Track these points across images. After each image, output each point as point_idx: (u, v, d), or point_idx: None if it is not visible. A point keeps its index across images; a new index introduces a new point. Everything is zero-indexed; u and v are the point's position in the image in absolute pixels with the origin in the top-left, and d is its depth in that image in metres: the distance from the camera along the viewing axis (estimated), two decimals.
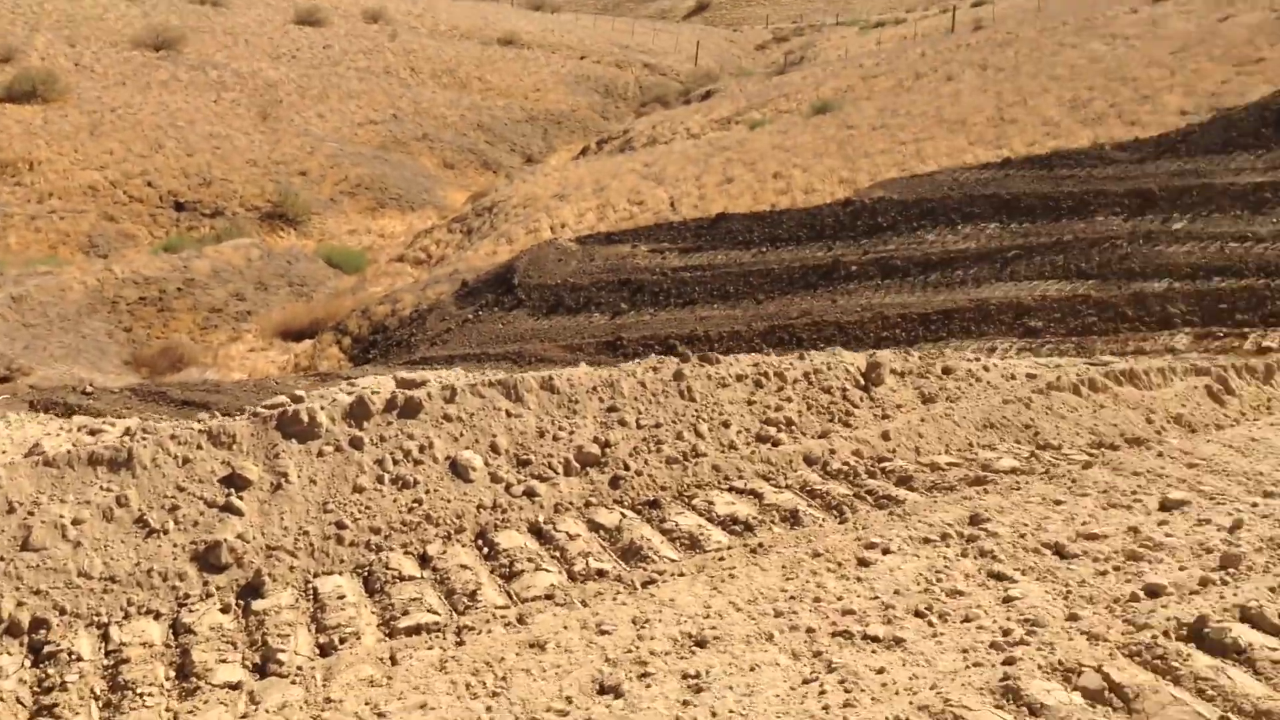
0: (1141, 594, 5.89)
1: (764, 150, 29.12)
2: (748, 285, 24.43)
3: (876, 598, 6.21)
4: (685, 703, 5.40)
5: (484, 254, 30.00)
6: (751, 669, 5.67)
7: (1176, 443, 7.75)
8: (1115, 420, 8.51)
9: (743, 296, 24.14)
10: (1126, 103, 23.95)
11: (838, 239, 24.71)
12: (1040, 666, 5.34)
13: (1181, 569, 6.10)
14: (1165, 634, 5.46)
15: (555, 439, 7.85)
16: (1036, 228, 22.26)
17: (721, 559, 6.83)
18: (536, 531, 7.29)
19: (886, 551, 6.68)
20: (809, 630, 5.96)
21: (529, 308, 26.23)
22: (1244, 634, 5.36)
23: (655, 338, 21.93)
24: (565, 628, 6.21)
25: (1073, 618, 5.77)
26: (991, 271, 21.69)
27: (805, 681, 5.50)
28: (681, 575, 6.68)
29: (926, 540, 6.78)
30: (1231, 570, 5.99)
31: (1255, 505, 6.67)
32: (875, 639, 5.80)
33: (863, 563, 6.59)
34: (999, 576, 6.29)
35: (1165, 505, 6.87)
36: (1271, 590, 5.68)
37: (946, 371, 8.81)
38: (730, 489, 7.73)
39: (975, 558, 6.54)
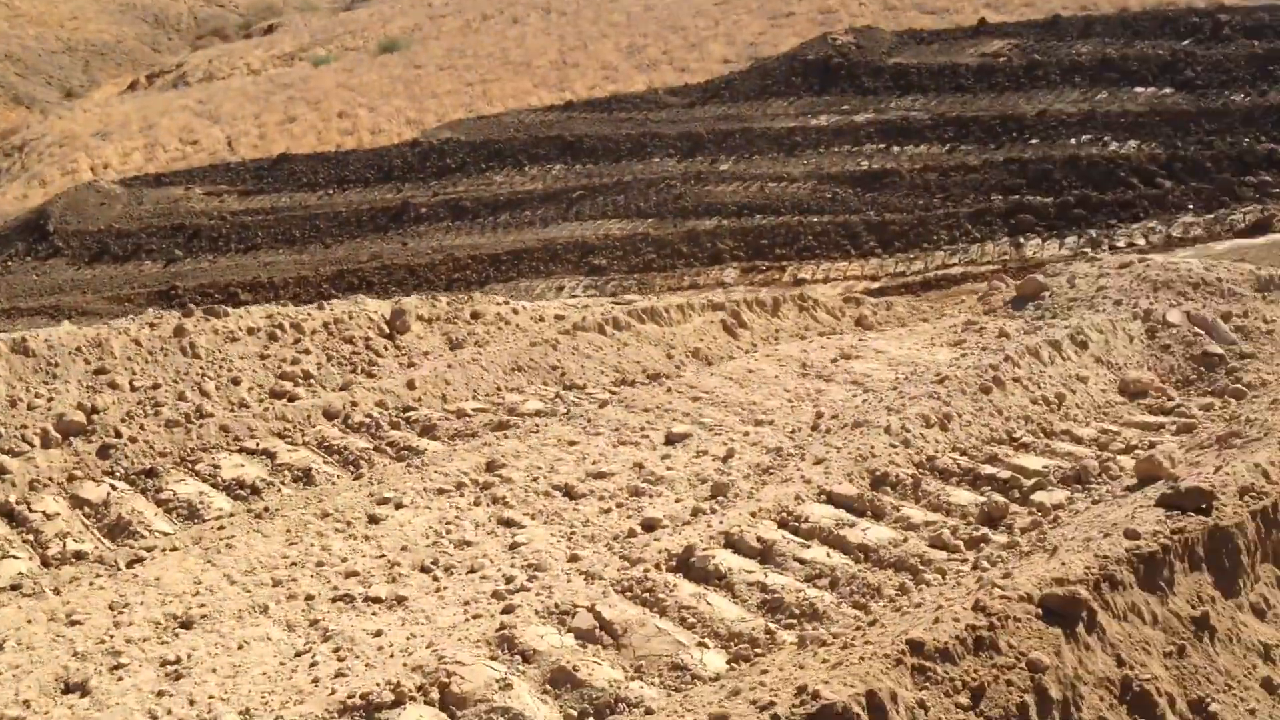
0: (639, 529, 6.04)
1: (329, 89, 27.92)
2: (314, 229, 23.43)
3: (383, 556, 5.96)
4: (160, 693, 4.91)
5: (13, 198, 26.81)
6: (240, 647, 5.25)
7: (685, 377, 8.09)
8: (638, 357, 8.76)
9: (310, 240, 23.14)
10: (677, 50, 25.06)
11: (406, 180, 24.23)
12: (538, 611, 5.31)
13: (678, 501, 6.32)
14: (657, 566, 5.61)
15: (31, 408, 6.94)
16: (599, 169, 22.83)
17: (221, 528, 6.32)
18: (7, 514, 6.42)
19: (400, 506, 6.45)
20: (308, 598, 5.62)
21: (68, 256, 23.80)
22: (726, 560, 5.61)
23: (215, 285, 20.57)
24: (30, 622, 5.49)
25: (574, 558, 5.80)
26: (558, 212, 22.03)
27: (298, 654, 5.17)
28: (174, 550, 6.11)
29: (441, 491, 6.62)
30: (721, 499, 6.28)
31: (747, 434, 7.04)
32: (377, 600, 5.56)
33: (373, 519, 6.32)
34: (509, 523, 6.23)
35: (670, 439, 7.11)
36: (753, 515, 5.99)
37: (475, 316, 8.69)
38: (241, 450, 7.19)
39: (488, 505, 6.45)
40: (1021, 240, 16.50)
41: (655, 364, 8.77)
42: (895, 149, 20.14)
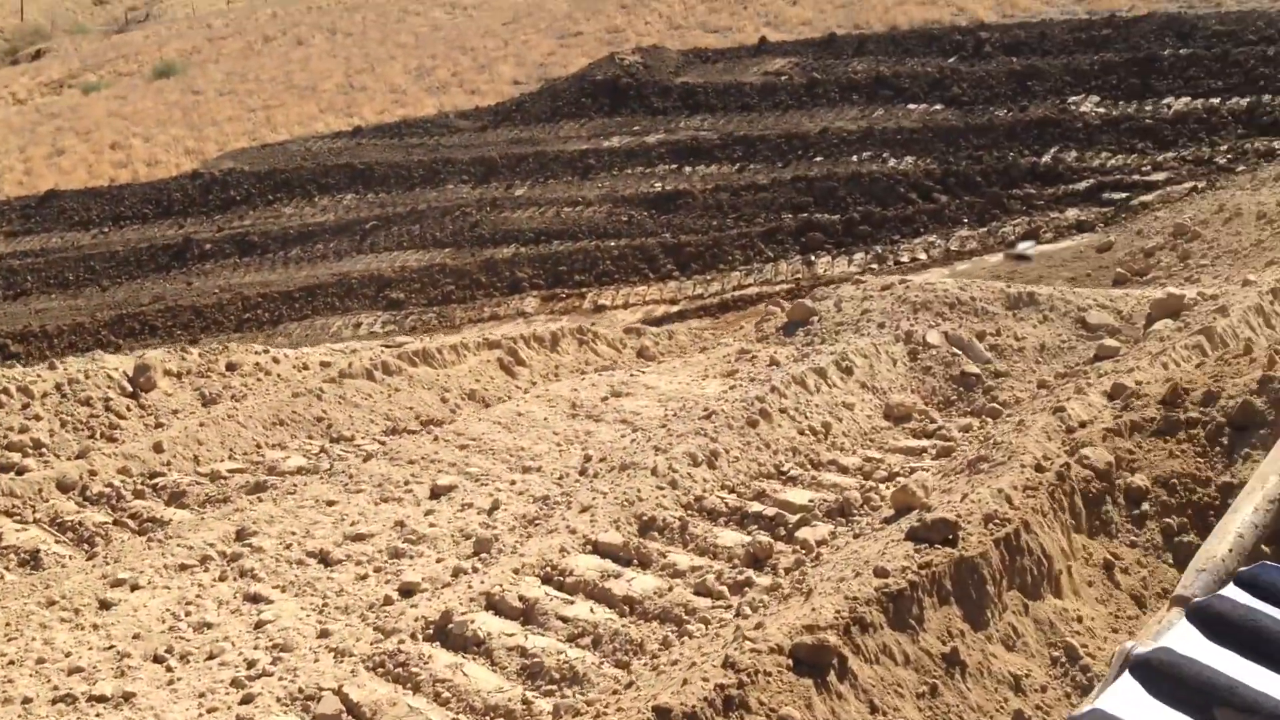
0: (396, 595, 5.73)
1: (100, 118, 26.46)
2: (90, 270, 22.23)
3: (113, 646, 5.47)
4: None
5: None
6: None
7: (453, 424, 7.79)
8: (410, 403, 8.42)
9: (85, 284, 21.93)
10: (466, 72, 24.73)
11: (188, 215, 23.17)
12: (280, 698, 4.95)
13: (439, 561, 6.03)
14: (412, 636, 5.32)
15: None
16: (392, 197, 22.33)
17: None
18: None
19: (135, 587, 5.95)
20: (25, 701, 5.10)
21: None
22: (486, 623, 5.35)
23: None
24: None
25: (324, 634, 5.45)
26: (352, 244, 21.46)
27: None
28: None
29: (184, 567, 6.14)
30: (484, 555, 6.02)
31: (514, 483, 6.80)
32: (102, 699, 5.08)
33: (105, 605, 5.81)
34: (255, 598, 5.82)
35: (435, 493, 6.81)
36: (516, 572, 5.75)
37: (231, 368, 8.19)
38: None
39: (235, 579, 6.02)
40: (813, 258, 16.83)
41: (429, 409, 8.45)
42: (687, 169, 20.31)
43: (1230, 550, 1.94)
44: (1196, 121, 16.74)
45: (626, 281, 17.86)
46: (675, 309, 16.70)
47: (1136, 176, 15.99)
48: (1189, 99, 17.53)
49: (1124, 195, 15.56)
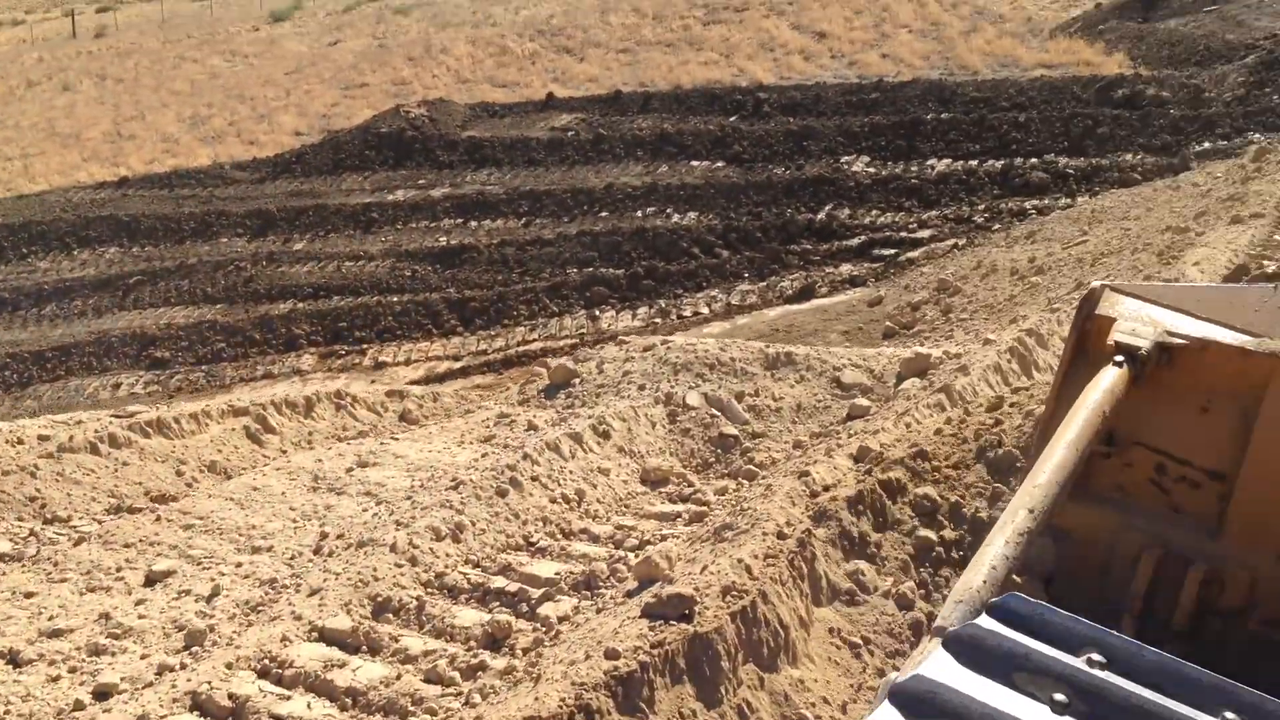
0: (89, 699, 5.14)
1: None
2: None
3: None
4: None
5: None
6: None
7: (178, 503, 7.20)
8: (140, 477, 7.77)
9: None
10: (245, 121, 23.85)
11: None
12: None
13: (144, 657, 5.46)
14: None
15: None
16: (160, 251, 21.26)
17: None
18: None
19: None
20: None
21: None
22: None
23: None
24: None
25: None
26: (114, 300, 20.32)
27: None
28: None
29: None
30: (195, 649, 5.49)
31: (240, 565, 6.28)
32: None
33: None
34: None
35: (150, 579, 6.22)
36: (229, 666, 5.25)
37: None
38: None
39: None
40: (597, 313, 16.78)
41: (162, 484, 7.81)
42: (473, 224, 20.06)
43: (984, 581, 2.04)
44: (957, 182, 17.55)
45: (409, 338, 17.45)
46: (459, 365, 16.35)
47: (904, 234, 16.59)
48: (950, 161, 18.38)
49: (893, 251, 16.10)
